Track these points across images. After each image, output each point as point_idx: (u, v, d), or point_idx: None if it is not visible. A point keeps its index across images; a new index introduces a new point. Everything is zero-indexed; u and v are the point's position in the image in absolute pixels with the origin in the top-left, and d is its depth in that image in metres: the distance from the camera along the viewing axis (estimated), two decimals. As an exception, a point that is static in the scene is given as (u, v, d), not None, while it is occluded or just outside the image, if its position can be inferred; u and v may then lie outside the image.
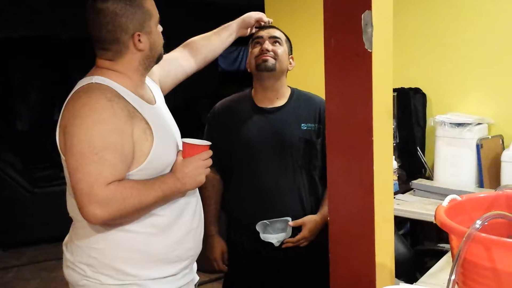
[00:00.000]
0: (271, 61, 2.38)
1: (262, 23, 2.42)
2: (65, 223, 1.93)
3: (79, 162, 1.62)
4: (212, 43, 2.31)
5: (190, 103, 9.16)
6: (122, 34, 1.75)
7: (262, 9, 4.07)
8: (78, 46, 3.96)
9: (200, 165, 1.81)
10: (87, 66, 1.86)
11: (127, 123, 1.68)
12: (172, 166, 1.81)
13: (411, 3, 3.57)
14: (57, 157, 1.76)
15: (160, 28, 1.87)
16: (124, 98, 1.72)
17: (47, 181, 5.76)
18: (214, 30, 2.34)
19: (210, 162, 1.85)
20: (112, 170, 1.63)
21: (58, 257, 2.03)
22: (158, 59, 1.89)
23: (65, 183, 1.80)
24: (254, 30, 2.45)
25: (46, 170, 6.20)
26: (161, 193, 1.73)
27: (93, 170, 1.60)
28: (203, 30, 2.37)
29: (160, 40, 1.86)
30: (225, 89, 7.53)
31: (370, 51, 1.41)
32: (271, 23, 2.45)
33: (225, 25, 2.36)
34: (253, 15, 2.39)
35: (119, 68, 1.79)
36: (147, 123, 1.74)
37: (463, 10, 3.38)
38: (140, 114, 1.74)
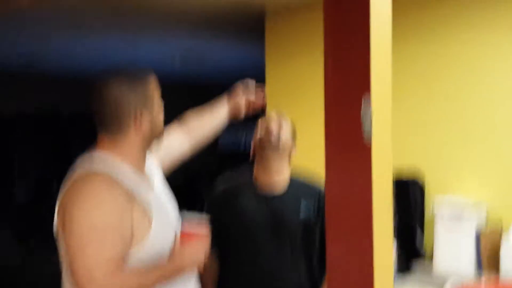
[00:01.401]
0: (276, 142, 2.41)
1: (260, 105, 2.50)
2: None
3: (78, 244, 1.62)
4: (206, 130, 2.38)
5: (191, 179, 9.16)
6: (124, 114, 1.78)
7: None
8: (80, 122, 4.02)
9: (199, 253, 1.82)
10: (88, 141, 1.89)
11: (127, 207, 1.70)
12: (170, 253, 1.81)
13: (409, 89, 3.62)
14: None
15: (161, 104, 1.90)
16: (123, 183, 1.73)
17: (44, 256, 5.67)
18: (207, 120, 2.40)
19: (207, 250, 1.85)
20: (113, 252, 1.63)
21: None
22: (159, 137, 1.92)
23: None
24: (249, 110, 2.50)
25: (43, 245, 6.13)
26: (161, 278, 1.72)
27: (93, 252, 1.60)
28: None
29: (161, 120, 1.89)
30: (225, 166, 7.56)
31: (370, 144, 1.43)
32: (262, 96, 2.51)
33: (215, 111, 2.42)
34: (240, 101, 2.46)
35: (120, 147, 1.81)
36: (145, 207, 1.76)
37: (459, 93, 3.43)
38: (139, 198, 1.76)
